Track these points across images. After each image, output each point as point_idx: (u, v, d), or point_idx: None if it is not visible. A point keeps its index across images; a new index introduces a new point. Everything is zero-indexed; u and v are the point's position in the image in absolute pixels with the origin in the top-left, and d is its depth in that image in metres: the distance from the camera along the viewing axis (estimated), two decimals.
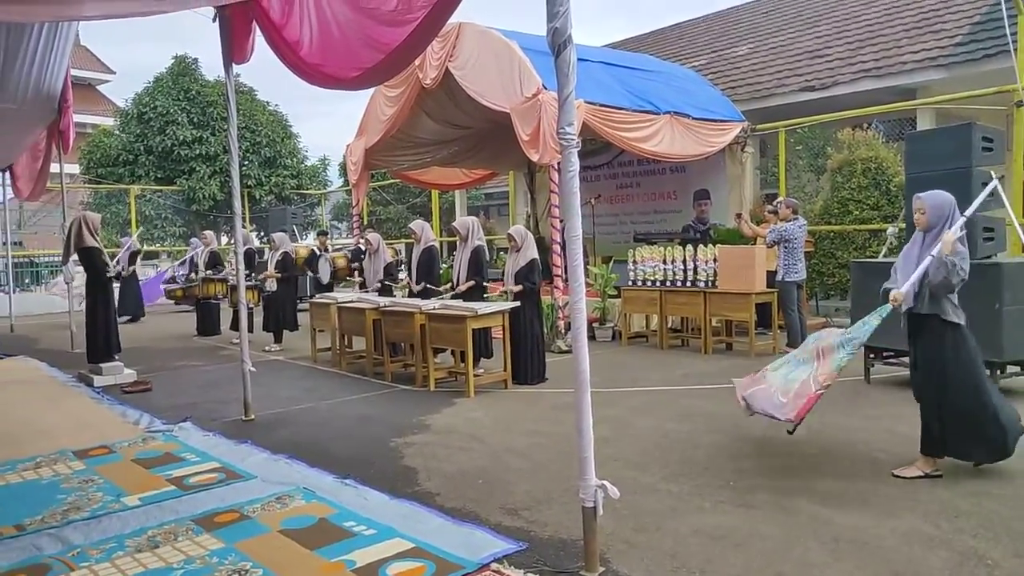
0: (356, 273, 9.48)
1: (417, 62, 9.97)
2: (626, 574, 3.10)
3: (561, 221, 8.70)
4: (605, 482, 3.06)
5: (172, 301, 13.89)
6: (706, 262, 8.75)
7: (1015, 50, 8.88)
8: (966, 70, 10.68)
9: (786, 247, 8.46)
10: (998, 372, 5.91)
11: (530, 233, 7.59)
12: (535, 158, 9.16)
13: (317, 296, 9.57)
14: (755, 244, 9.07)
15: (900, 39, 12.32)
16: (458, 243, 7.87)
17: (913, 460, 4.26)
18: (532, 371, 7.24)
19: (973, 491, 3.93)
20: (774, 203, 9.22)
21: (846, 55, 12.78)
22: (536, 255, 7.39)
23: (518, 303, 7.10)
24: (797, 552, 3.26)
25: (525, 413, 6.07)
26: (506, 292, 7.38)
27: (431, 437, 5.38)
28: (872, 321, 4.20)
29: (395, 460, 4.84)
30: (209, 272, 11.34)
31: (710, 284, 8.69)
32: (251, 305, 10.47)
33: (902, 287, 4.12)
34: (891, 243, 8.42)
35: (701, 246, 8.97)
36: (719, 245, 9.01)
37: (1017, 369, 6.11)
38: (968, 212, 4.20)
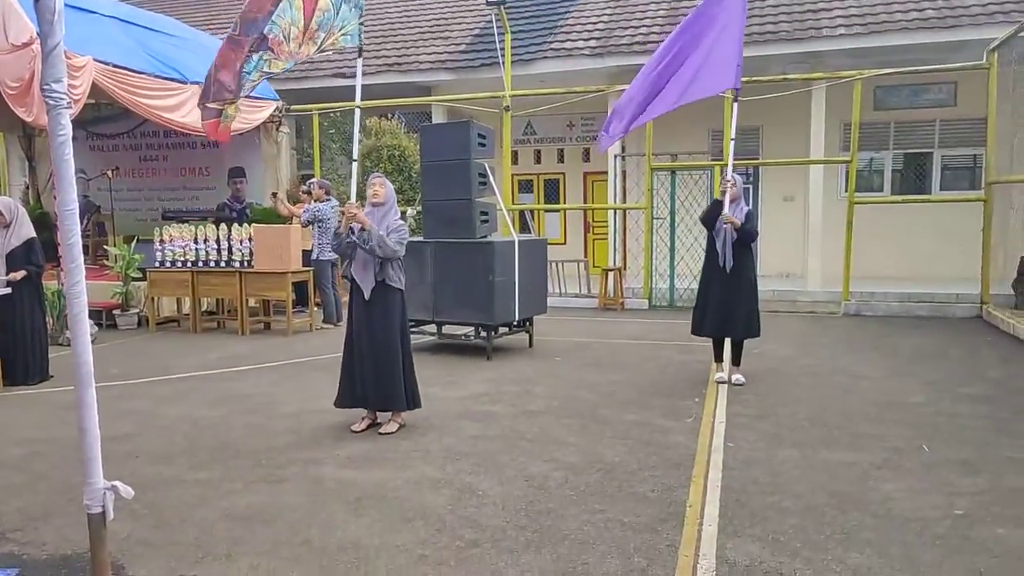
0: None
1: None
2: None
3: None
4: (116, 483, 2.77)
5: None
6: (241, 241, 8.54)
7: (503, 63, 10.58)
8: (469, 75, 12.34)
9: (320, 227, 8.76)
10: (492, 333, 7.03)
11: (23, 207, 6.43)
12: (27, 118, 7.74)
13: None
14: (291, 223, 9.16)
15: (416, 40, 13.64)
16: None
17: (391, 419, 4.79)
18: (32, 369, 6.21)
19: (472, 435, 4.62)
20: (307, 184, 9.44)
21: (372, 48, 13.63)
22: (34, 233, 6.30)
23: (9, 290, 5.97)
24: (323, 517, 3.43)
25: (21, 419, 5.17)
26: None
27: None
28: None
29: None
30: None
31: (246, 264, 8.52)
32: None
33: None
34: (411, 224, 9.32)
35: (236, 225, 8.72)
36: (255, 224, 8.86)
37: (506, 330, 7.36)
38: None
